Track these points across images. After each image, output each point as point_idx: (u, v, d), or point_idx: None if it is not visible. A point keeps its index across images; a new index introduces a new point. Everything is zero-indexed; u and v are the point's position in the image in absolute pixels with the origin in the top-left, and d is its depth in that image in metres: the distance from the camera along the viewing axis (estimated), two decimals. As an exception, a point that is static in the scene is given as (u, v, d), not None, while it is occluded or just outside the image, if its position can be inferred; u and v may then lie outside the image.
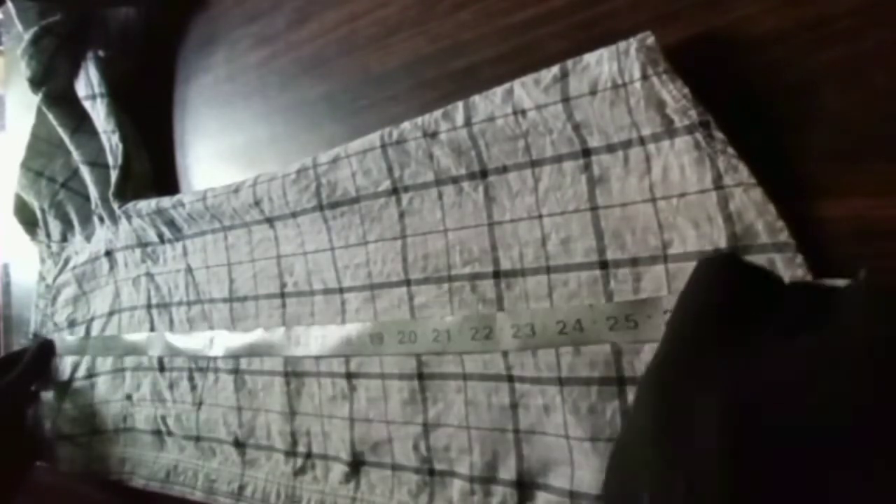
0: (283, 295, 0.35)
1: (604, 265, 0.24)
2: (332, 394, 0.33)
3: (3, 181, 0.61)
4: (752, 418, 0.14)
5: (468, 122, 0.26)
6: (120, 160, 0.44)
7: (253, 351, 0.36)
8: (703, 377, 0.15)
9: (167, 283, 0.43)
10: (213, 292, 0.40)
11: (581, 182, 0.24)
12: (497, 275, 0.27)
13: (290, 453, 0.35)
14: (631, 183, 0.23)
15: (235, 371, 0.38)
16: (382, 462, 0.31)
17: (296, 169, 0.32)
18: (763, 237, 0.20)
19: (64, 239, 0.55)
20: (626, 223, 0.23)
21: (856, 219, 0.20)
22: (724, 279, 0.18)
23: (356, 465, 0.32)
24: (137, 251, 0.46)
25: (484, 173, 0.27)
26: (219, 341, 0.39)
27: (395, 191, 0.30)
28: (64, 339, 0.53)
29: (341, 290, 0.32)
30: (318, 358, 0.33)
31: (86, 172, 0.49)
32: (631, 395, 0.23)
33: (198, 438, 0.40)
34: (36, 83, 0.49)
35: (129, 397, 0.46)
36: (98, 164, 0.48)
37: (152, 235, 0.44)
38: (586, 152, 0.24)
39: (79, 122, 0.49)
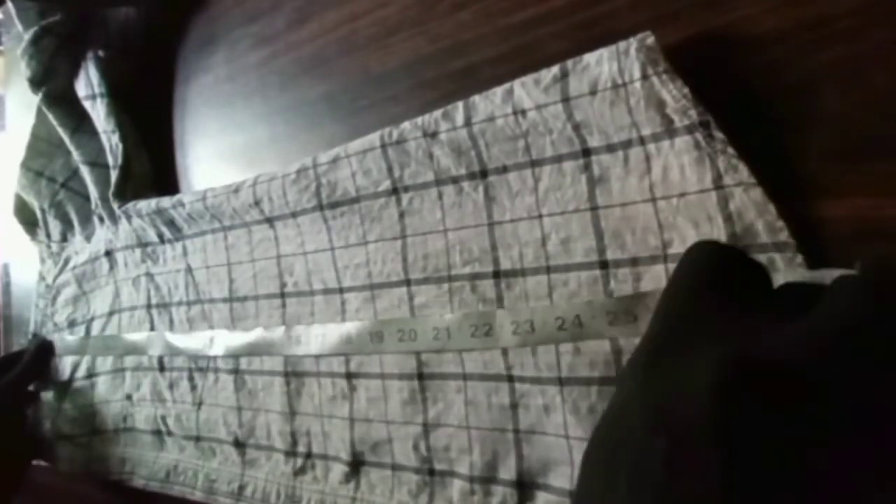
0: (283, 295, 0.35)
1: (604, 265, 0.24)
2: (332, 394, 0.33)
3: (3, 181, 0.61)
4: (745, 377, 0.13)
5: (468, 122, 0.26)
6: (120, 160, 0.44)
7: (253, 350, 0.36)
8: (694, 346, 0.15)
9: (167, 283, 0.43)
10: (213, 292, 0.40)
11: (581, 182, 0.24)
12: (497, 275, 0.27)
13: (290, 453, 0.35)
14: (631, 183, 0.23)
15: (235, 371, 0.38)
16: (382, 462, 0.31)
17: (296, 169, 0.32)
18: (763, 237, 0.20)
19: (64, 239, 0.55)
20: (626, 223, 0.23)
21: (856, 219, 0.20)
22: (715, 261, 0.17)
23: (356, 465, 0.32)
24: (137, 251, 0.46)
25: (484, 173, 0.27)
26: (219, 340, 0.39)
27: (395, 191, 0.30)
28: (64, 338, 0.53)
29: (341, 290, 0.32)
30: (318, 357, 0.33)
31: (86, 172, 0.49)
32: (631, 395, 0.23)
33: (198, 438, 0.40)
34: (36, 83, 0.49)
35: (129, 397, 0.46)
36: (98, 164, 0.48)
37: (152, 235, 0.44)
38: (586, 152, 0.24)
39: (79, 122, 0.49)
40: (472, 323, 0.26)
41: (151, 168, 0.46)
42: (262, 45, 0.39)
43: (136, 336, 0.46)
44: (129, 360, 0.47)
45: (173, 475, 0.42)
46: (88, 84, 0.46)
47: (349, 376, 0.32)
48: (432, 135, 0.27)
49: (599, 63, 0.22)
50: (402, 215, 0.30)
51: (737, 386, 0.13)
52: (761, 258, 0.20)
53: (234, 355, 0.38)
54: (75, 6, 0.47)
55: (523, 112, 0.24)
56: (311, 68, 0.36)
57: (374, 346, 0.30)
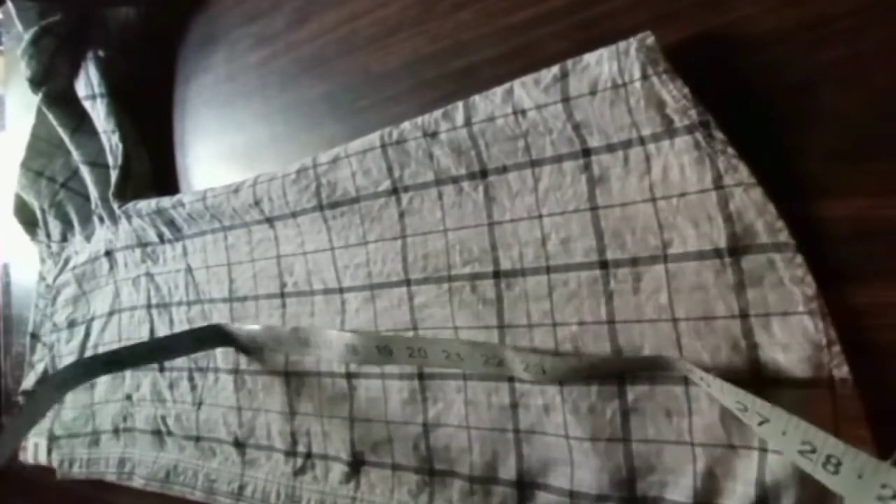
0: (282, 295, 0.35)
1: (604, 265, 0.24)
2: (332, 393, 0.33)
3: (3, 181, 0.61)
4: None
5: (468, 122, 0.26)
6: (120, 160, 0.44)
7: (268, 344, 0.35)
8: None
9: (167, 283, 0.43)
10: (213, 292, 0.40)
11: (581, 182, 0.24)
12: (497, 275, 0.27)
13: (290, 453, 0.35)
14: (631, 183, 0.23)
15: (235, 371, 0.38)
16: (382, 462, 0.31)
17: (296, 169, 0.32)
18: (763, 237, 0.20)
19: (64, 239, 0.55)
20: (626, 223, 0.23)
21: (856, 219, 0.20)
22: None
23: (356, 465, 0.32)
24: (137, 251, 0.46)
25: (484, 173, 0.27)
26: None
27: (395, 191, 0.30)
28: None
29: (341, 290, 0.32)
30: (318, 357, 0.33)
31: (86, 172, 0.49)
32: (631, 395, 0.23)
33: (198, 438, 0.40)
34: (36, 83, 0.49)
35: (128, 397, 0.46)
36: (98, 164, 0.48)
37: (152, 235, 0.44)
38: (586, 152, 0.24)
39: (79, 122, 0.49)
40: (483, 353, 0.26)
41: (151, 168, 0.46)
42: (262, 45, 0.39)
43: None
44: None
45: (173, 475, 0.42)
46: (88, 84, 0.46)
47: (349, 376, 0.32)
48: (432, 135, 0.27)
49: (599, 63, 0.22)
50: (402, 215, 0.30)
51: None
52: (761, 258, 0.20)
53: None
54: (75, 6, 0.47)
55: (523, 112, 0.24)
56: (311, 68, 0.36)
57: (384, 358, 0.29)
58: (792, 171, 0.21)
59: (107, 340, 0.49)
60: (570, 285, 0.25)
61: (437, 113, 0.27)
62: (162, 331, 0.44)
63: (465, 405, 0.27)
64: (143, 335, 0.45)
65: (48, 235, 0.56)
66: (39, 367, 0.56)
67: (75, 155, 0.50)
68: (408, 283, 0.30)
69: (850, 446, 0.17)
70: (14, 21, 0.49)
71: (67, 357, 0.53)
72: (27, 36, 0.47)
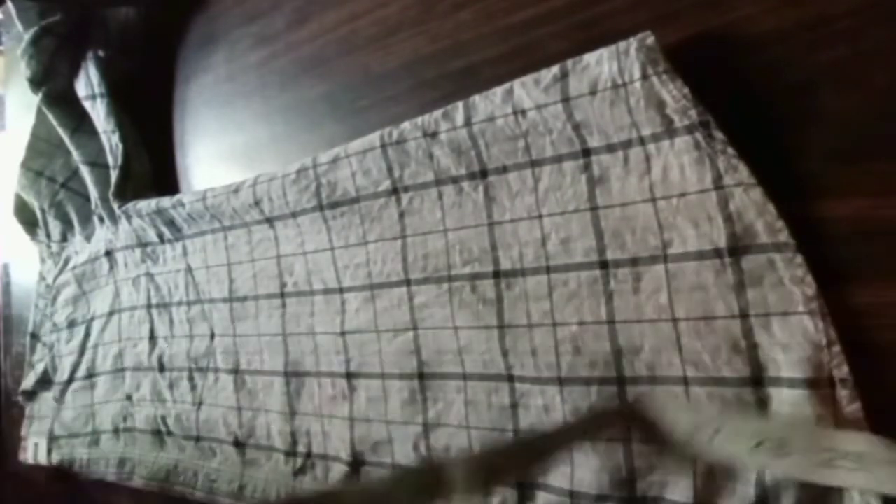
0: (282, 295, 0.35)
1: (604, 265, 0.24)
2: (332, 394, 0.33)
3: (3, 181, 0.61)
4: None
5: (468, 122, 0.26)
6: (120, 160, 0.44)
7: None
8: None
9: (167, 283, 0.43)
10: (213, 292, 0.40)
11: (581, 182, 0.24)
12: (497, 275, 0.27)
13: (290, 453, 0.35)
14: (631, 183, 0.23)
15: (235, 371, 0.38)
16: (382, 462, 0.31)
17: (296, 169, 0.32)
18: (763, 237, 0.20)
19: (64, 239, 0.55)
20: (626, 223, 0.23)
21: (856, 219, 0.20)
22: None
23: (356, 465, 0.32)
24: (137, 251, 0.46)
25: (484, 173, 0.27)
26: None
27: (395, 191, 0.30)
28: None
29: (341, 290, 0.32)
30: (317, 357, 0.33)
31: (86, 172, 0.49)
32: (631, 395, 0.23)
33: (198, 438, 0.40)
34: (36, 83, 0.49)
35: (129, 397, 0.46)
36: (98, 164, 0.48)
37: (152, 235, 0.44)
38: (586, 152, 0.24)
39: (79, 122, 0.49)
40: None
41: (151, 168, 0.46)
42: (262, 45, 0.39)
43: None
44: (129, 360, 0.47)
45: (173, 475, 0.42)
46: (88, 84, 0.46)
47: (349, 376, 0.32)
48: (432, 135, 0.27)
49: (599, 63, 0.22)
50: (402, 215, 0.30)
51: None
52: (761, 258, 0.20)
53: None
54: (75, 6, 0.47)
55: (523, 112, 0.24)
56: (311, 68, 0.36)
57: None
58: (792, 171, 0.21)
59: (107, 340, 0.49)
60: (570, 285, 0.25)
61: (437, 113, 0.27)
62: (162, 330, 0.44)
63: (466, 405, 0.27)
64: (143, 335, 0.45)
65: (48, 235, 0.56)
66: (39, 368, 0.56)
67: (75, 155, 0.50)
68: (408, 283, 0.29)
69: None
70: (14, 21, 0.49)
71: (67, 357, 0.53)
72: (27, 36, 0.47)
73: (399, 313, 0.30)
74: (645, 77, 0.21)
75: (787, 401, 0.20)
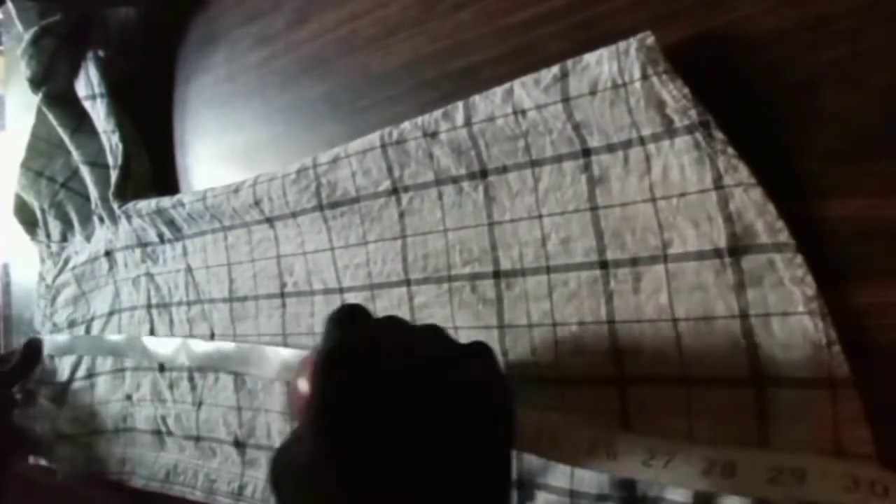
0: (283, 295, 0.35)
1: (604, 265, 0.24)
2: (332, 394, 0.33)
3: (3, 181, 0.61)
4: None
5: (468, 122, 0.26)
6: (120, 160, 0.44)
7: (208, 362, 0.37)
8: None
9: (167, 283, 0.43)
10: (213, 292, 0.40)
11: (581, 182, 0.24)
12: (497, 275, 0.27)
13: (290, 453, 0.35)
14: (631, 183, 0.23)
15: (235, 371, 0.38)
16: (382, 462, 0.30)
17: (296, 169, 0.32)
18: (763, 237, 0.20)
19: (64, 239, 0.55)
20: (626, 223, 0.23)
21: (856, 219, 0.20)
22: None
23: (356, 465, 0.32)
24: (137, 251, 0.46)
25: (484, 173, 0.27)
26: (187, 347, 0.39)
27: (395, 191, 0.30)
28: (54, 339, 0.53)
29: (341, 290, 0.32)
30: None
31: (86, 172, 0.49)
32: (631, 396, 0.23)
33: (198, 438, 0.40)
34: (36, 83, 0.49)
35: (129, 397, 0.46)
36: (98, 164, 0.48)
37: (152, 235, 0.44)
38: (586, 152, 0.24)
39: (79, 122, 0.49)
40: None
41: (151, 168, 0.46)
42: (262, 45, 0.39)
43: (117, 338, 0.46)
44: (129, 360, 0.47)
45: (173, 475, 0.42)
46: (88, 84, 0.46)
47: (349, 376, 0.32)
48: (432, 135, 0.27)
49: (599, 63, 0.22)
50: (402, 215, 0.30)
51: (328, 363, 0.19)
52: (761, 258, 0.20)
53: (196, 364, 0.38)
54: (75, 6, 0.47)
55: (523, 112, 0.24)
56: (311, 68, 0.36)
57: None
58: (792, 171, 0.21)
59: (107, 340, 0.49)
60: (570, 285, 0.25)
61: (437, 113, 0.27)
62: (162, 330, 0.44)
63: (465, 405, 0.27)
64: (142, 335, 0.45)
65: (48, 235, 0.56)
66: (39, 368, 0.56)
67: (75, 155, 0.50)
68: (408, 283, 0.29)
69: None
70: (14, 21, 0.49)
71: (67, 357, 0.53)
72: (27, 36, 0.47)
73: (399, 313, 0.30)
74: (645, 77, 0.21)
75: (786, 401, 0.20)
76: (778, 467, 0.18)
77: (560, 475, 0.25)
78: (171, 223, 0.42)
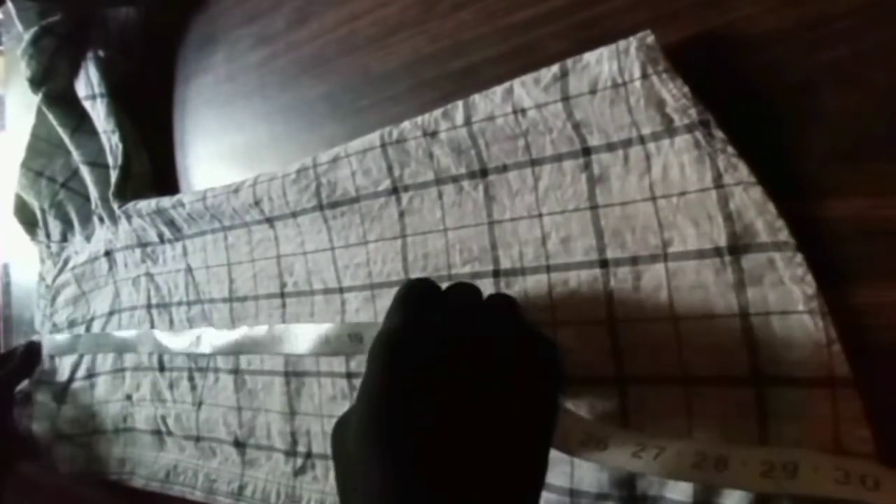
0: (283, 295, 0.35)
1: (604, 264, 0.24)
2: (332, 394, 0.33)
3: (3, 181, 0.61)
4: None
5: (468, 122, 0.26)
6: (120, 160, 0.44)
7: (238, 349, 0.36)
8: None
9: (167, 283, 0.43)
10: (213, 292, 0.40)
11: (581, 181, 0.24)
12: (497, 274, 0.27)
13: (290, 453, 0.35)
14: (631, 182, 0.23)
15: (235, 371, 0.38)
16: (382, 462, 0.30)
17: (296, 169, 0.32)
18: (763, 236, 0.20)
19: (64, 239, 0.55)
20: (626, 222, 0.23)
21: (856, 219, 0.20)
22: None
23: (356, 465, 0.32)
24: (137, 251, 0.46)
25: (484, 172, 0.27)
26: (205, 339, 0.39)
27: (395, 190, 0.30)
28: (54, 338, 0.53)
29: (341, 290, 0.32)
30: (318, 357, 0.33)
31: (86, 172, 0.49)
32: (631, 395, 0.23)
33: (198, 438, 0.40)
34: (36, 83, 0.49)
35: (129, 397, 0.46)
36: (98, 164, 0.48)
37: (152, 235, 0.44)
38: (586, 151, 0.24)
39: (79, 122, 0.49)
40: None
41: (151, 168, 0.46)
42: (262, 45, 0.39)
43: (126, 333, 0.46)
44: (129, 360, 0.47)
45: (173, 475, 0.42)
46: (88, 84, 0.46)
47: (349, 376, 0.32)
48: (432, 134, 0.27)
49: (599, 62, 0.22)
50: (402, 215, 0.30)
51: (382, 348, 0.20)
52: (761, 257, 0.20)
53: (222, 353, 0.38)
54: (75, 6, 0.47)
55: (523, 111, 0.24)
56: (311, 68, 0.36)
57: (354, 346, 0.30)
58: (792, 170, 0.21)
59: (107, 340, 0.49)
60: (570, 284, 0.25)
61: (437, 112, 0.27)
62: (162, 331, 0.44)
63: (466, 405, 0.27)
64: (132, 332, 0.45)
65: (48, 235, 0.56)
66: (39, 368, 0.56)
67: (75, 155, 0.50)
68: (408, 282, 0.29)
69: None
70: (14, 21, 0.49)
71: (67, 357, 0.53)
72: (27, 36, 0.47)
73: (399, 313, 0.30)
74: (645, 76, 0.21)
75: (786, 400, 0.20)
76: (770, 461, 0.18)
77: (560, 474, 0.25)
78: (171, 223, 0.42)
